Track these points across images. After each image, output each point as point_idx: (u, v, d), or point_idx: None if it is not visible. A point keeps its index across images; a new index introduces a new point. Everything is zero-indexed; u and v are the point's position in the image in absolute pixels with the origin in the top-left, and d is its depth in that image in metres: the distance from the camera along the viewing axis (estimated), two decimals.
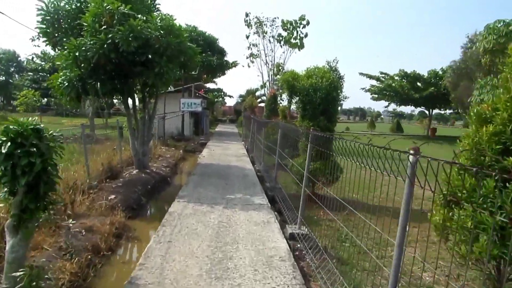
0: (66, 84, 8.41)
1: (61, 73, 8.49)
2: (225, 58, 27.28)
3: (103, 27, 7.77)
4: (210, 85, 42.60)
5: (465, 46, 25.53)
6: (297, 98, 9.36)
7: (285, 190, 7.64)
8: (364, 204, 8.11)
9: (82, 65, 8.14)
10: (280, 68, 20.15)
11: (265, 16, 22.93)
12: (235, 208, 6.42)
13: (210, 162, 12.28)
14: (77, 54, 7.69)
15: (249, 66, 22.10)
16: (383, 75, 38.38)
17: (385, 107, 39.47)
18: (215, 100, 46.81)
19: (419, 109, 43.85)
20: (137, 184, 9.25)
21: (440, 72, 32.90)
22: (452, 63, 26.15)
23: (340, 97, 10.04)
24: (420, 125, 51.07)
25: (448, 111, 43.87)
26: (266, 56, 21.04)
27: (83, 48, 7.67)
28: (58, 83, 8.54)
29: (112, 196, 7.87)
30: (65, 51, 8.05)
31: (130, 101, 10.72)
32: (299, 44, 19.80)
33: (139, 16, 8.00)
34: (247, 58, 21.91)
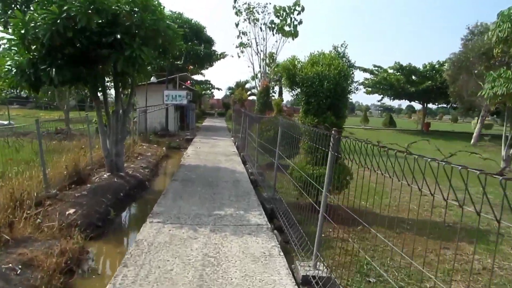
0: (14, 70, 6.75)
1: (7, 57, 6.81)
2: (213, 48, 25.59)
3: None
4: (197, 77, 40.78)
5: (465, 37, 24.39)
6: (299, 89, 7.90)
7: (286, 199, 6.20)
8: (377, 215, 6.76)
9: (34, 47, 6.50)
10: (273, 58, 18.61)
11: (256, 1, 21.15)
12: (226, 231, 4.91)
13: (196, 163, 10.71)
14: (23, 31, 6.03)
15: (239, 56, 20.58)
16: (377, 68, 37.21)
17: (379, 101, 38.35)
18: (203, 92, 44.96)
19: (407, 103, 42.98)
20: (106, 191, 7.69)
21: (437, 66, 31.82)
22: (451, 55, 25.01)
23: (350, 88, 8.53)
24: (412, 119, 50.36)
25: (444, 105, 42.92)
26: (257, 46, 19.47)
27: (32, 24, 6.03)
28: (5, 69, 6.87)
29: (71, 210, 6.29)
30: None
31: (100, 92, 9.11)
32: (293, 32, 18.26)
33: None
34: (236, 47, 20.25)
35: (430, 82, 30.34)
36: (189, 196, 6.89)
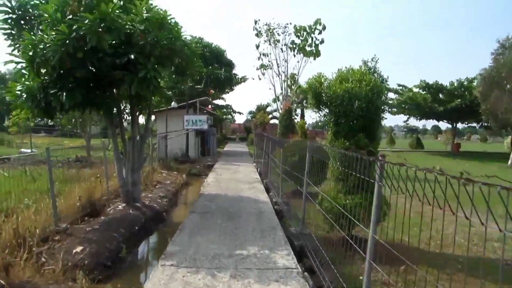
0: (25, 96, 6.39)
1: (18, 81, 6.49)
2: (234, 72, 25.44)
3: (68, 17, 5.78)
4: (218, 102, 40.84)
5: (496, 52, 23.22)
6: (326, 109, 7.22)
7: (316, 233, 5.40)
8: (420, 252, 5.80)
9: (44, 70, 6.14)
10: (295, 79, 18.10)
11: (276, 22, 20.87)
12: (249, 278, 4.12)
13: (216, 191, 10.04)
14: (31, 53, 5.68)
15: (259, 79, 20.10)
16: (401, 87, 36.15)
17: (405, 121, 36.93)
18: (224, 117, 44.93)
19: (432, 123, 41.35)
20: (120, 225, 7.08)
21: (465, 83, 30.51)
22: (482, 71, 23.79)
23: (384, 107, 7.76)
24: (439, 140, 48.42)
25: (473, 124, 41.07)
26: (278, 67, 19.04)
27: (41, 46, 5.67)
28: (16, 94, 6.54)
29: (79, 248, 5.69)
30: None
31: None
32: (314, 51, 17.77)
33: (116, 0, 5.99)
34: (257, 69, 19.90)
35: (459, 100, 28.99)
36: (207, 231, 6.18)
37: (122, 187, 8.54)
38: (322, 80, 7.29)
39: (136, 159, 8.72)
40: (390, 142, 36.45)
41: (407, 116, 36.91)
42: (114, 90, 7.51)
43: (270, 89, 18.97)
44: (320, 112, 7.39)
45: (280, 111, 19.60)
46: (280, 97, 18.95)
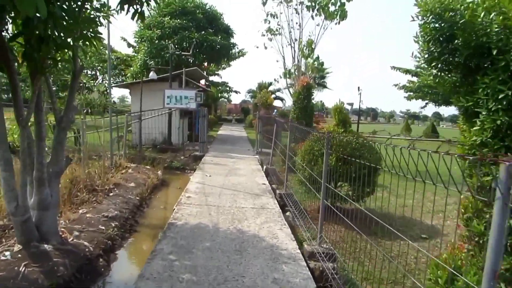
0: None
1: None
2: (232, 40, 20.87)
3: None
4: (213, 78, 36.30)
5: None
6: (455, 60, 3.12)
7: None
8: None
9: None
10: (313, 47, 13.76)
11: None
12: None
13: (198, 218, 5.67)
14: None
15: (265, 47, 15.67)
16: (420, 70, 31.79)
17: (422, 107, 33.21)
18: (219, 95, 40.32)
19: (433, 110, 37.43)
20: None
21: None
22: None
23: None
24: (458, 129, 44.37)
25: None
26: (290, 33, 14.67)
27: None
28: None
29: None
30: None
31: None
32: (339, 13, 13.41)
33: None
34: (263, 35, 15.50)
35: None
36: None
37: (15, 216, 4.37)
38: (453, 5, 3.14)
39: (53, 161, 4.61)
40: (407, 129, 32.30)
41: (426, 102, 32.66)
42: None
43: (277, 61, 14.88)
44: (442, 69, 3.30)
45: (292, 89, 15.32)
46: (293, 71, 14.59)
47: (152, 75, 13.90)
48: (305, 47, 13.91)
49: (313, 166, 6.50)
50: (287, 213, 6.67)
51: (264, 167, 10.39)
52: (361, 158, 6.36)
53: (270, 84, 33.07)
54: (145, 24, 18.34)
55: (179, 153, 13.58)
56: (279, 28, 15.27)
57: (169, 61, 14.60)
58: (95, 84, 19.34)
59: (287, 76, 14.92)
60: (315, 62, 13.88)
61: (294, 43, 14.64)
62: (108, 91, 9.05)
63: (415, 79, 31.73)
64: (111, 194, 7.54)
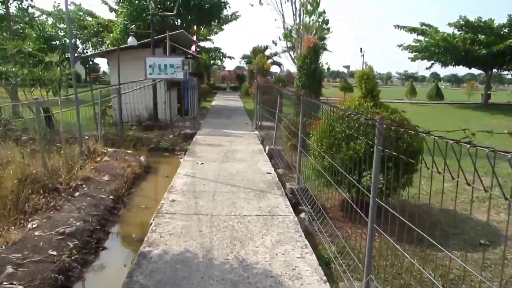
0: None
1: None
2: None
3: None
4: (204, 44, 33.90)
5: None
6: None
7: None
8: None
9: None
10: (317, 2, 11.76)
11: None
12: None
13: (182, 244, 3.86)
14: None
15: (261, 3, 13.59)
16: (425, 27, 29.58)
17: (427, 68, 31.12)
18: (212, 63, 37.92)
19: (429, 70, 35.48)
20: None
21: None
22: None
23: None
24: (462, 90, 42.62)
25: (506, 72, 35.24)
26: None
27: None
28: None
29: None
30: None
31: None
32: None
33: None
34: None
35: (510, 41, 22.77)
36: None
37: None
38: None
39: None
40: (411, 92, 30.46)
41: (432, 62, 30.73)
42: None
43: (276, 20, 12.93)
44: None
45: (292, 52, 13.45)
46: (294, 31, 12.61)
47: (131, 40, 11.95)
48: (308, 2, 11.87)
49: (333, 154, 4.92)
50: (301, 214, 5.16)
51: (267, 147, 8.78)
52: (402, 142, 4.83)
53: (266, 48, 30.76)
54: None
55: (167, 130, 11.92)
56: None
57: (149, 25, 12.59)
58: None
59: (288, 37, 12.97)
60: (320, 19, 11.92)
61: (295, 1, 12.56)
62: (70, 62, 7.29)
63: (421, 38, 29.68)
64: (76, 194, 5.95)
